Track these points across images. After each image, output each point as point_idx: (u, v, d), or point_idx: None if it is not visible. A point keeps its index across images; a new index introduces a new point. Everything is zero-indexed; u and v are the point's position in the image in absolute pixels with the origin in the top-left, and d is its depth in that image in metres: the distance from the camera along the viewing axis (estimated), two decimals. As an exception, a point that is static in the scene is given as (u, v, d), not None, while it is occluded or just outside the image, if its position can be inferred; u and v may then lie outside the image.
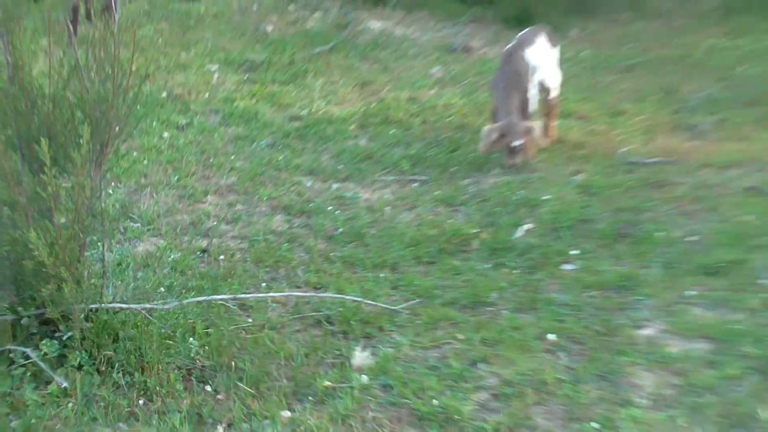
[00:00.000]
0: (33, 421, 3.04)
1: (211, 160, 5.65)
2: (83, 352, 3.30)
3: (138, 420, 3.12)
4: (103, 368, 3.31)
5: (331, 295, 4.00)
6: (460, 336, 3.73)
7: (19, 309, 3.32)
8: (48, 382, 3.19)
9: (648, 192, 5.20)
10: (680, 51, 8.25)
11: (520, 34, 6.09)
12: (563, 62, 6.87)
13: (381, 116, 6.47)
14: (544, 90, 5.93)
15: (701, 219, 4.83)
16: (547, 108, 5.95)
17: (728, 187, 5.22)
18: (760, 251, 4.38)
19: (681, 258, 4.38)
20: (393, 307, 3.91)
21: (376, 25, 8.64)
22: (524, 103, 5.65)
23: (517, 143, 5.45)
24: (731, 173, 5.46)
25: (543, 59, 5.83)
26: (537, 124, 5.66)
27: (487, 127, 5.49)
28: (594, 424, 3.09)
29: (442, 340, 3.71)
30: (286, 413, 3.20)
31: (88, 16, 3.13)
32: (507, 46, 5.96)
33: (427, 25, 8.87)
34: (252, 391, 3.31)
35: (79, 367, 3.25)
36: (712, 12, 9.69)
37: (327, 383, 3.37)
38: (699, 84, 7.23)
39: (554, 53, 5.99)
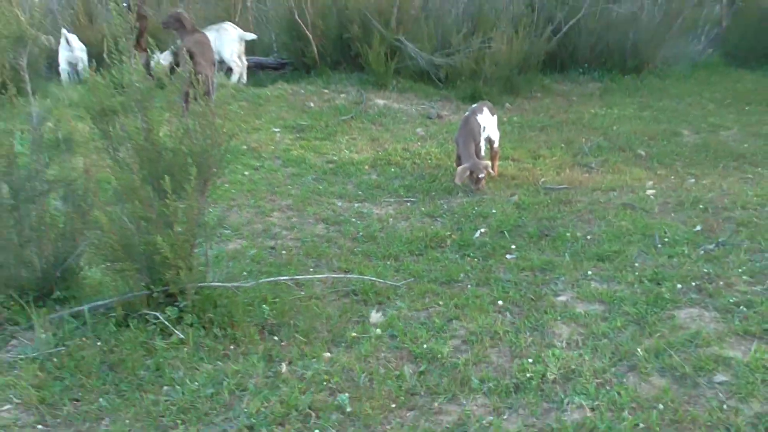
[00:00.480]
0: (161, 360, 3.09)
1: (275, 189, 5.70)
2: (194, 315, 3.32)
3: (230, 359, 3.16)
4: (207, 326, 3.33)
5: (355, 276, 4.05)
6: (440, 302, 3.78)
7: (151, 287, 3.34)
8: (170, 335, 3.23)
9: (559, 207, 5.25)
10: (575, 116, 8.32)
11: (472, 106, 6.20)
12: (501, 124, 6.96)
13: (385, 160, 6.52)
14: (490, 142, 6.04)
15: (594, 224, 4.86)
16: (493, 154, 6.03)
17: (611, 203, 5.27)
18: (633, 245, 4.41)
19: (582, 250, 4.40)
20: (396, 284, 3.97)
21: (380, 101, 8.70)
22: (478, 150, 5.70)
23: (481, 175, 5.52)
24: (612, 194, 5.51)
25: (488, 123, 5.96)
26: (489, 163, 5.69)
27: (460, 167, 5.55)
28: (529, 359, 3.14)
29: (428, 305, 3.76)
30: (327, 354, 3.23)
31: (195, 98, 3.21)
32: (465, 114, 6.02)
33: (413, 101, 8.92)
34: (304, 340, 3.35)
35: (191, 325, 3.28)
36: (594, 92, 9.82)
37: (353, 334, 3.41)
38: (588, 137, 7.29)
39: (494, 119, 6.11)
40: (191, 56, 6.85)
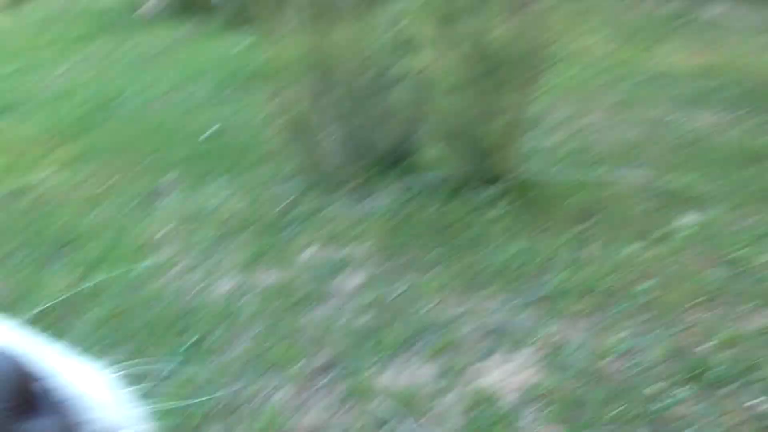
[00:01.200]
0: (482, 229, 3.40)
1: (595, 92, 5.67)
2: (511, 196, 3.53)
3: (539, 238, 3.33)
4: (522, 207, 3.52)
5: (672, 178, 3.96)
6: (762, 214, 3.51)
7: (478, 167, 3.65)
8: (490, 210, 3.48)
9: None
10: None
11: None
12: None
13: (713, 70, 5.91)
14: None
15: None
16: None
17: None
18: None
19: None
20: (714, 190, 3.81)
21: (714, 10, 7.90)
22: None
23: None
24: None
25: None
26: None
27: None
28: None
29: (746, 215, 3.52)
30: (634, 245, 3.23)
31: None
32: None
33: (755, 8, 7.91)
34: (612, 231, 3.39)
35: (508, 204, 3.51)
36: None
37: (663, 231, 3.35)
38: None
39: None
40: None
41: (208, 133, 5.08)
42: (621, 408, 2.33)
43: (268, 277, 3.25)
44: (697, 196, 3.78)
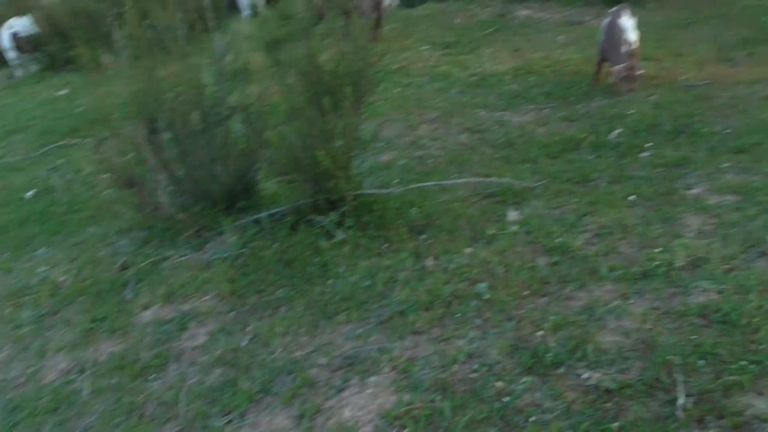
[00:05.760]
0: (326, 258, 3.26)
1: (423, 103, 5.73)
2: (352, 218, 3.44)
3: (383, 256, 3.27)
4: (363, 228, 3.45)
5: (494, 179, 4.04)
6: (574, 200, 3.66)
7: (316, 195, 3.45)
8: (333, 236, 3.38)
9: (699, 103, 4.87)
10: (723, 10, 7.47)
11: (611, 10, 5.73)
12: (644, 24, 6.39)
13: (525, 69, 6.31)
14: (628, 44, 5.57)
15: (734, 118, 4.49)
16: (631, 56, 5.60)
17: (753, 96, 4.81)
18: (774, 136, 4.05)
19: (719, 144, 4.12)
20: (532, 185, 3.92)
21: (523, 12, 8.32)
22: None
23: (640, 71, 5.19)
24: (756, 87, 5.01)
25: (628, 25, 5.49)
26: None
27: (617, 67, 5.27)
28: (658, 249, 3.03)
29: (562, 203, 3.69)
30: (469, 249, 3.26)
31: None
32: (606, 19, 5.61)
33: (555, 10, 8.43)
34: (447, 237, 3.39)
35: (350, 227, 3.41)
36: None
37: (492, 231, 3.40)
38: (735, 32, 6.55)
39: (632, 21, 5.62)
40: None
41: (31, 192, 4.58)
42: (472, 412, 2.25)
43: (107, 348, 2.92)
44: (518, 192, 3.86)
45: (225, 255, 3.35)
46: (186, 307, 3.10)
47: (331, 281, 3.15)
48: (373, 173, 4.25)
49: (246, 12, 9.55)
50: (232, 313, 3.02)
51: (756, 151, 3.91)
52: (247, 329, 2.88)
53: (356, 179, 3.60)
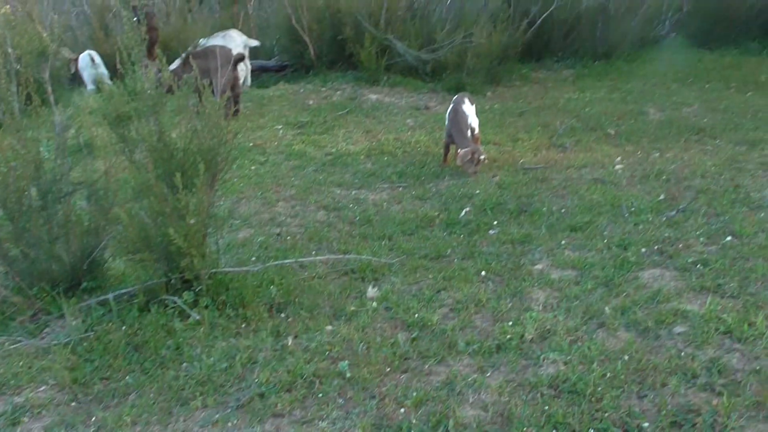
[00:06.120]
0: (180, 340, 3.13)
1: (279, 181, 5.72)
2: (208, 298, 3.35)
3: (241, 336, 3.20)
4: (220, 307, 3.37)
5: (353, 256, 4.08)
6: (430, 276, 3.81)
7: (169, 274, 3.36)
8: (188, 317, 3.27)
9: (537, 185, 5.27)
10: (551, 101, 8.31)
11: (455, 97, 6.16)
12: (483, 112, 6.97)
13: (378, 150, 6.53)
14: (471, 129, 5.97)
15: (568, 199, 4.89)
16: (474, 139, 6.01)
17: (583, 179, 5.29)
18: (603, 215, 4.47)
19: (557, 222, 4.44)
20: (390, 261, 4.00)
21: (373, 96, 8.71)
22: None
23: (482, 156, 5.51)
24: (584, 171, 5.53)
25: (470, 111, 5.91)
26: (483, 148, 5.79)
27: (462, 151, 5.56)
28: (510, 322, 3.18)
29: (419, 279, 3.80)
30: (329, 327, 3.26)
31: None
32: (451, 106, 6.00)
33: (403, 95, 8.91)
34: (308, 315, 3.38)
35: (206, 307, 3.31)
36: (568, 78, 9.83)
37: (352, 308, 3.44)
38: (563, 120, 7.27)
39: (473, 108, 6.08)
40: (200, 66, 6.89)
41: None
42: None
43: None
44: (377, 269, 3.91)
45: (66, 340, 3.08)
46: (19, 399, 2.76)
47: (185, 364, 2.98)
48: (229, 251, 4.18)
49: (90, 86, 9.18)
50: (73, 404, 2.73)
51: (588, 229, 4.27)
52: (91, 420, 2.61)
53: (212, 257, 3.50)
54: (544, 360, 2.86)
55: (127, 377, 2.90)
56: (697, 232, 3.98)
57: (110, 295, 3.32)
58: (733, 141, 6.06)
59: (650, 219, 4.29)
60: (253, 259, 4.03)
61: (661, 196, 4.69)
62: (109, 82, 7.87)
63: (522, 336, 3.03)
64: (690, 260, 3.62)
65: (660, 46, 11.35)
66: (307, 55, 9.97)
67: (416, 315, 3.30)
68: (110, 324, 3.18)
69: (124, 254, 3.50)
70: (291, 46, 10.28)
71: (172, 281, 3.37)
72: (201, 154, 3.36)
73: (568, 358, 2.85)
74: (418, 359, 2.96)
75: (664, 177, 5.12)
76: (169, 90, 3.43)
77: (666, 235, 3.99)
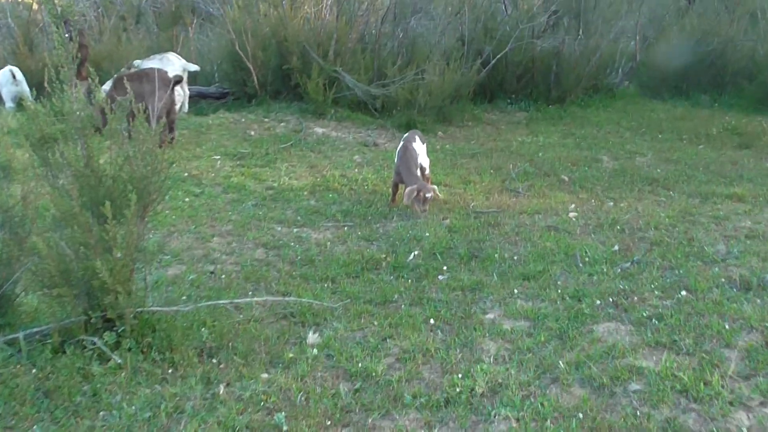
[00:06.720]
0: (98, 385, 3.01)
1: (216, 215, 5.64)
2: (132, 339, 3.23)
3: (168, 383, 3.10)
4: (145, 350, 3.26)
5: (293, 298, 4.03)
6: (375, 322, 3.80)
7: (90, 312, 3.23)
8: (108, 360, 3.14)
9: (488, 229, 5.35)
10: (503, 144, 8.57)
11: (405, 135, 6.27)
12: (434, 152, 7.07)
13: (323, 186, 6.54)
14: (421, 169, 6.05)
15: (521, 245, 4.97)
16: (425, 179, 6.08)
17: (536, 225, 5.39)
18: (556, 264, 4.55)
19: (509, 270, 4.50)
20: (332, 305, 3.97)
21: (319, 130, 8.77)
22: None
23: (428, 195, 5.55)
24: (537, 217, 5.65)
25: (420, 150, 6.01)
26: (435, 187, 5.82)
27: (408, 188, 5.59)
28: (459, 375, 3.17)
29: (363, 325, 3.78)
30: (265, 375, 3.20)
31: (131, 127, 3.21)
32: (401, 143, 6.08)
33: (351, 130, 9.02)
34: (242, 362, 3.31)
35: (129, 350, 3.20)
36: (521, 121, 10.19)
37: (291, 355, 3.39)
38: (516, 164, 7.46)
39: (424, 147, 6.21)
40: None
41: None
42: None
43: None
44: (318, 313, 3.87)
45: (-34, 384, 2.89)
46: None
47: (103, 413, 2.84)
48: (158, 289, 4.08)
49: (9, 104, 8.92)
50: (-30, 458, 2.57)
51: (542, 278, 4.33)
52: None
53: (139, 295, 3.41)
54: (495, 416, 2.85)
55: (35, 427, 2.73)
56: (652, 285, 4.08)
57: (20, 334, 3.17)
58: (686, 193, 6.31)
59: (605, 270, 4.39)
60: (184, 298, 3.96)
61: (616, 247, 4.81)
62: (32, 99, 7.65)
63: (472, 389, 3.02)
64: (645, 314, 3.70)
65: (613, 94, 11.84)
66: (250, 83, 9.97)
67: (360, 364, 3.27)
68: (18, 366, 3.03)
69: (39, 288, 3.37)
70: (233, 72, 10.27)
71: (92, 320, 3.25)
72: (132, 182, 3.32)
73: (521, 414, 2.85)
74: (361, 412, 2.91)
75: (618, 227, 5.27)
76: (102, 113, 3.36)
77: (621, 287, 4.08)
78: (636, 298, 3.93)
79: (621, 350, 3.33)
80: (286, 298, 4.03)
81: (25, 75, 9.06)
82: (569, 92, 11.11)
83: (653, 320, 3.63)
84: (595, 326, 3.63)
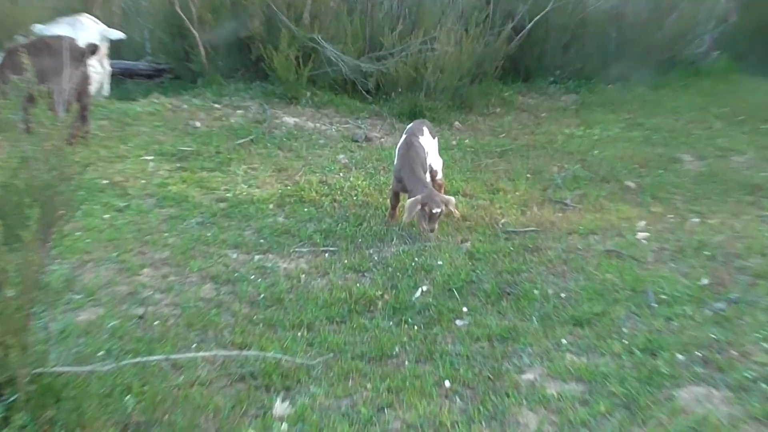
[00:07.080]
0: None
1: (146, 237, 5.59)
2: (27, 413, 3.16)
3: None
4: (46, 427, 3.15)
5: (254, 352, 4.00)
6: (369, 385, 3.80)
7: None
8: None
9: (525, 256, 5.34)
10: (544, 138, 8.61)
11: (408, 126, 6.25)
12: (449, 149, 7.05)
13: (296, 197, 6.52)
14: (431, 172, 6.04)
15: (570, 278, 4.97)
16: (436, 187, 6.05)
17: (591, 250, 5.37)
18: (620, 304, 4.54)
19: (555, 311, 4.50)
20: (309, 362, 3.93)
21: (290, 120, 8.77)
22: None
23: (436, 210, 5.50)
24: (593, 239, 5.62)
25: (430, 147, 6.01)
26: (452, 199, 5.75)
27: (410, 200, 5.55)
28: (487, 461, 3.12)
29: (352, 389, 3.76)
30: None
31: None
32: (403, 137, 6.05)
33: (334, 120, 9.02)
34: None
35: (23, 428, 3.13)
36: (569, 107, 10.21)
37: (250, 432, 3.34)
38: (562, 165, 7.45)
39: (435, 143, 6.19)
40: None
41: None
42: None
43: None
44: (289, 373, 3.83)
45: None
46: None
47: None
48: (65, 341, 4.01)
49: None
50: None
51: (600, 323, 4.32)
52: None
53: (37, 350, 3.34)
54: None
55: None
56: (757, 334, 4.05)
57: None
58: (801, 205, 6.31)
59: (689, 312, 4.36)
60: (102, 353, 3.91)
61: (704, 280, 4.78)
62: None
63: (506, 482, 2.99)
64: (748, 375, 3.66)
65: (697, 69, 11.86)
66: (194, 57, 10.00)
67: (343, 443, 3.24)
68: None
69: None
70: (171, 42, 10.32)
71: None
72: (32, 193, 3.33)
73: None
74: None
75: (706, 252, 5.25)
76: None
77: (712, 336, 4.05)
78: (735, 353, 3.89)
79: (715, 426, 3.28)
80: (245, 353, 4.01)
81: None
82: (635, 67, 11.14)
83: (759, 383, 3.59)
84: (676, 391, 3.59)
